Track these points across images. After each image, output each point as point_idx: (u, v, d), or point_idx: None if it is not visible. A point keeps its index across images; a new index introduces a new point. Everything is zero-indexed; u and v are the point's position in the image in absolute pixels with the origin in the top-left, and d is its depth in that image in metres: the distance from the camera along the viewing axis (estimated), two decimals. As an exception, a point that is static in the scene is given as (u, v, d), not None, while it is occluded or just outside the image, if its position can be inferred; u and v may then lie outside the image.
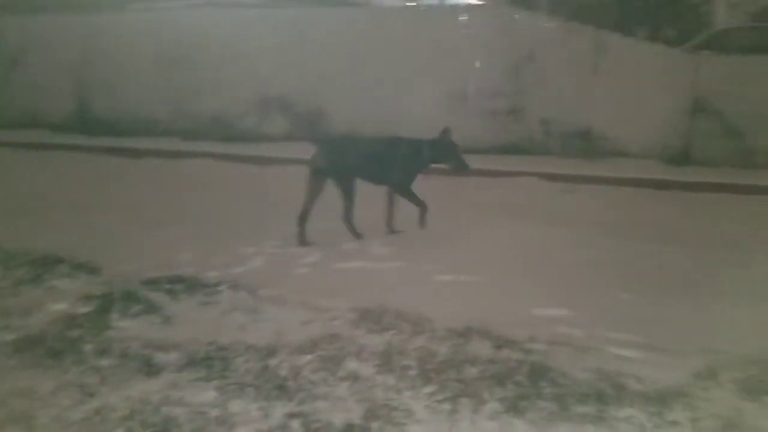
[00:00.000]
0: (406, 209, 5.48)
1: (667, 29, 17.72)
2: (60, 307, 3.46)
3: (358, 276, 4.45)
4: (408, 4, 11.47)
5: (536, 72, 8.76)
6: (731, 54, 8.11)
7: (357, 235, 5.35)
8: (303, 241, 5.25)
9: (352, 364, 2.81)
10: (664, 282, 4.30)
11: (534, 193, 7.04)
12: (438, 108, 9.15)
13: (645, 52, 8.42)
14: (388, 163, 5.41)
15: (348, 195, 5.29)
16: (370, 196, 5.41)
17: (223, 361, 2.85)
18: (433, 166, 5.55)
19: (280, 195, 6.80)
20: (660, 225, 5.80)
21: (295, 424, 2.35)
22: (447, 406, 2.53)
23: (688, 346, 3.28)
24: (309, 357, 2.85)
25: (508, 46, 8.82)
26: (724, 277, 4.41)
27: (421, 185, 5.54)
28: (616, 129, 8.47)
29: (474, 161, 5.66)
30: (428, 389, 2.64)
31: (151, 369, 2.74)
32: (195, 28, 10.07)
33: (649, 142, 8.37)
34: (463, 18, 9.13)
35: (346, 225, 5.34)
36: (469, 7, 9.25)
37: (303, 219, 5.30)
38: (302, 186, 6.61)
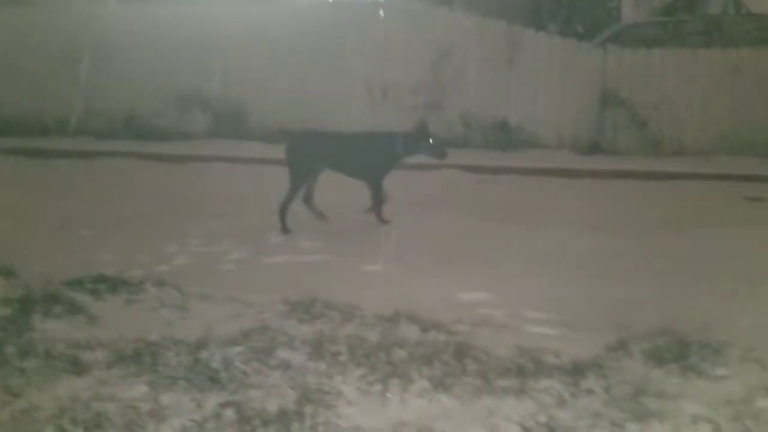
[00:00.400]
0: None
1: (578, 25, 18.47)
2: (-26, 311, 3.33)
3: (286, 270, 4.49)
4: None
5: (454, 67, 8.98)
6: (636, 48, 8.56)
7: (320, 216, 5.59)
8: (285, 228, 5.44)
9: (283, 354, 2.85)
10: (575, 264, 4.54)
11: (455, 184, 7.24)
12: (359, 103, 9.25)
13: (556, 47, 8.79)
14: (361, 157, 5.57)
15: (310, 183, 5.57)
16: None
17: (153, 357, 2.83)
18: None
19: (202, 193, 6.75)
20: (571, 211, 6.08)
21: (229, 412, 2.37)
22: (377, 387, 2.61)
23: (601, 322, 3.50)
24: (240, 348, 2.86)
25: (427, 42, 9.00)
26: (630, 257, 4.70)
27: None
28: (532, 121, 8.82)
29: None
30: (359, 372, 2.71)
31: (78, 368, 2.69)
32: (105, 23, 9.75)
33: (562, 133, 8.75)
34: (382, 14, 9.24)
35: (308, 208, 5.62)
36: (389, 3, 9.36)
37: (284, 210, 5.45)
38: (232, 183, 6.59)
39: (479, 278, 4.25)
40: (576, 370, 2.81)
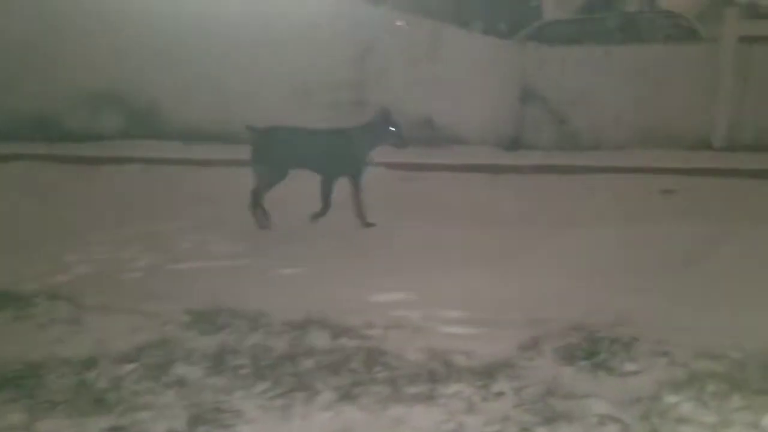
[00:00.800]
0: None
1: (501, 23, 18.78)
2: None
3: (195, 276, 4.28)
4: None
5: (378, 63, 8.89)
6: (555, 45, 8.69)
7: (264, 221, 5.40)
8: (263, 224, 5.37)
9: (179, 369, 2.67)
10: (494, 261, 4.51)
11: (379, 182, 7.13)
12: (281, 100, 9.04)
13: (477, 44, 8.83)
14: (327, 154, 5.38)
15: (268, 181, 5.35)
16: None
17: (36, 379, 2.60)
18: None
19: (112, 197, 6.42)
20: (490, 206, 6.09)
21: (113, 437, 2.19)
22: (280, 402, 2.47)
23: (516, 317, 3.47)
24: (132, 366, 2.66)
25: (350, 38, 8.87)
26: (546, 252, 4.72)
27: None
28: (455, 118, 8.81)
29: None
30: (261, 387, 2.56)
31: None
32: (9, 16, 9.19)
33: (484, 129, 8.79)
34: (305, 9, 9.03)
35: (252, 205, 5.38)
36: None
37: (254, 205, 5.33)
38: (146, 186, 6.26)
39: (397, 278, 4.15)
40: (487, 372, 2.75)
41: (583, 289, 3.94)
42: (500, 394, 2.59)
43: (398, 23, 8.91)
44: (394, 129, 5.40)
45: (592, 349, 2.97)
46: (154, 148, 8.66)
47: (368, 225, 5.38)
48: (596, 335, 3.13)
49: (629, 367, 2.85)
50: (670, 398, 2.55)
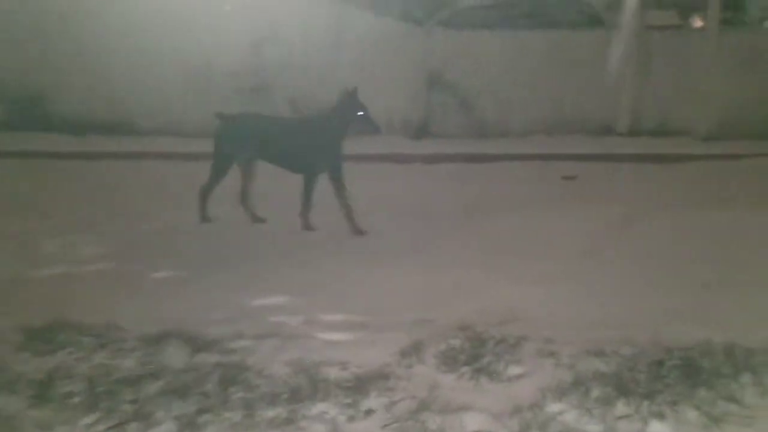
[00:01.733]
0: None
1: (417, 9, 18.61)
2: None
3: (52, 284, 3.80)
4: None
5: (280, 48, 8.49)
6: (463, 30, 8.50)
7: (256, 218, 5.04)
8: (204, 216, 5.00)
9: (-3, 401, 2.27)
10: (391, 255, 4.25)
11: (281, 175, 6.76)
12: (179, 88, 8.53)
13: (382, 28, 8.53)
14: (297, 147, 4.86)
15: (246, 176, 4.98)
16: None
17: None
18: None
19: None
20: (393, 198, 5.84)
21: None
22: (109, 437, 2.12)
23: (404, 318, 3.21)
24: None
25: (251, 21, 8.42)
26: (447, 244, 4.50)
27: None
28: (361, 105, 8.52)
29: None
30: (89, 418, 2.19)
31: None
32: None
33: (390, 117, 8.52)
34: None
35: (244, 209, 5.04)
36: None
37: (203, 197, 4.97)
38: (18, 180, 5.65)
39: (285, 279, 3.83)
40: (359, 386, 2.48)
41: (477, 284, 3.74)
42: (370, 411, 2.32)
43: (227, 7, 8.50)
44: (362, 113, 4.81)
45: (476, 353, 2.75)
46: (35, 141, 7.99)
47: (359, 232, 4.79)
48: (482, 336, 2.91)
49: (513, 370, 2.64)
50: (553, 407, 2.35)
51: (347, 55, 8.49)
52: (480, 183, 6.54)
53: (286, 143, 4.91)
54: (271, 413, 2.26)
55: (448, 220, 5.19)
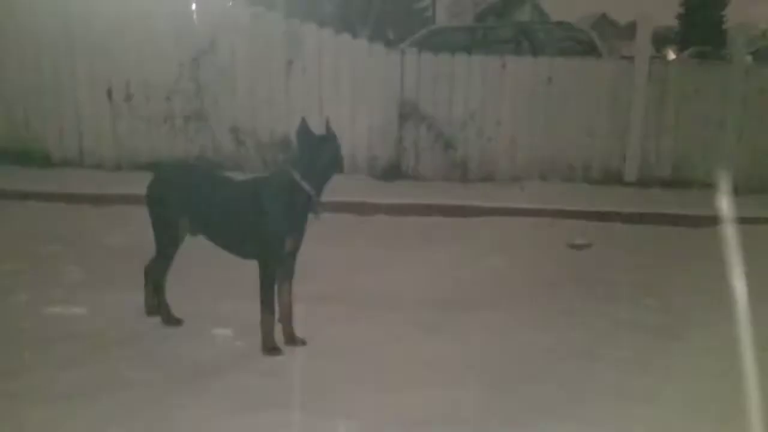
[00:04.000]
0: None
1: (388, 30, 17.26)
2: None
3: None
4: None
5: (220, 67, 6.98)
6: (441, 53, 7.08)
7: (170, 319, 3.58)
8: (150, 310, 3.65)
9: None
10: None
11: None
12: (88, 111, 6.98)
13: (345, 47, 7.06)
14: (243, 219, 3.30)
15: (163, 250, 3.52)
16: None
17: None
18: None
19: None
20: (339, 266, 4.34)
21: None
22: None
23: None
24: None
25: (184, 34, 6.90)
26: (410, 354, 3.00)
27: None
28: (317, 139, 7.02)
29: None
30: None
31: None
32: None
33: (355, 154, 7.06)
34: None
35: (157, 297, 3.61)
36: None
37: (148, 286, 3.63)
38: None
39: None
40: None
41: None
42: None
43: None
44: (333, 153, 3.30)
45: None
46: None
47: (296, 342, 3.41)
48: None
49: None
50: None
51: (302, 78, 7.01)
52: (460, 248, 5.09)
53: (225, 211, 3.40)
54: None
55: (402, 312, 3.72)
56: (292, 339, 3.41)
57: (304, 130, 3.24)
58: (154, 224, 3.53)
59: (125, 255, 4.32)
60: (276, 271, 3.28)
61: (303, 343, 3.41)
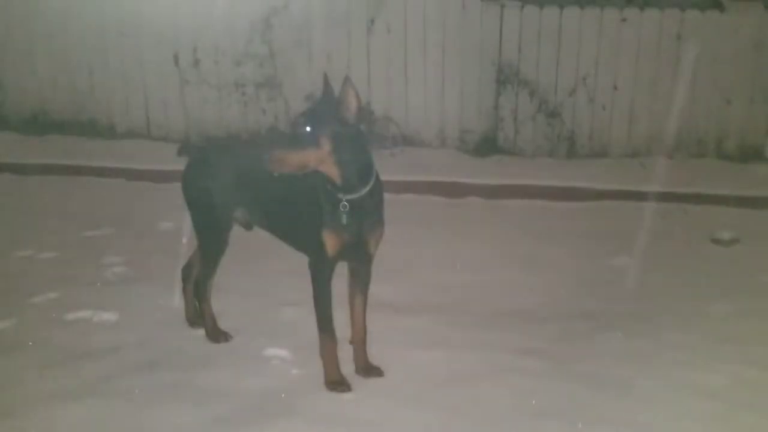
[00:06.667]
0: None
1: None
2: None
3: None
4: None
5: (296, 28, 6.23)
6: (547, 6, 6.01)
7: (216, 335, 2.91)
8: (192, 320, 3.04)
9: None
10: None
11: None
12: (155, 79, 6.46)
13: (435, 5, 6.12)
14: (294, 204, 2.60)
15: (208, 251, 2.88)
16: None
17: None
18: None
19: None
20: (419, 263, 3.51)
21: None
22: None
23: None
24: None
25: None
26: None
27: None
28: (404, 108, 6.21)
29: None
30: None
31: None
32: None
33: (445, 125, 6.19)
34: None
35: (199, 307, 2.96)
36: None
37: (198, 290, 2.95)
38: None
39: None
40: None
41: None
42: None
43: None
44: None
45: None
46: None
47: (373, 372, 2.67)
48: None
49: None
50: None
51: (385, 39, 6.16)
52: (571, 242, 4.17)
53: (279, 194, 2.63)
54: None
55: (522, 341, 2.85)
56: (365, 369, 2.65)
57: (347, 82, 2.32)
58: (196, 219, 2.84)
59: (178, 244, 3.65)
60: (325, 278, 2.50)
61: (379, 374, 2.64)
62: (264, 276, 3.55)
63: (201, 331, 2.92)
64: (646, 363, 2.69)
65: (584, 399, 2.42)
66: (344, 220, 2.39)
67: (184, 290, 3.01)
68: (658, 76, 6.00)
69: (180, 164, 2.94)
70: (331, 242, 2.44)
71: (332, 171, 2.35)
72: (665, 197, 4.91)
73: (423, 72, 6.09)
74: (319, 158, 2.31)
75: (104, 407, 2.37)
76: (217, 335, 2.90)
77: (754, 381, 2.57)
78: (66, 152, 5.94)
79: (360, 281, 2.60)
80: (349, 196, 2.38)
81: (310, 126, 2.30)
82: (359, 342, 2.65)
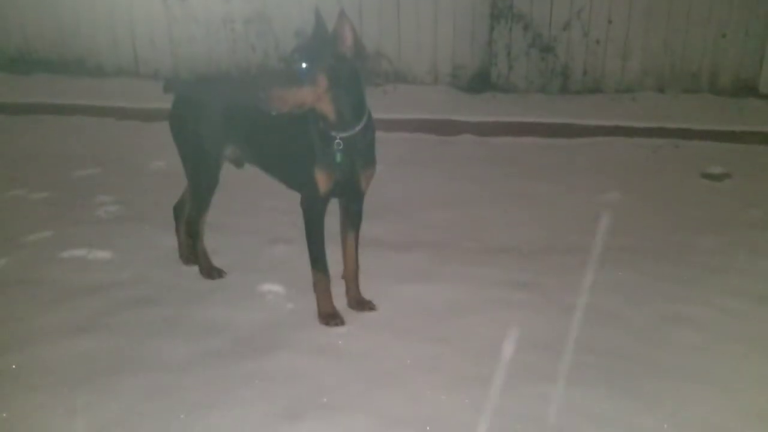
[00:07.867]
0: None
1: None
2: None
3: None
4: None
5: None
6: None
7: (210, 272, 2.93)
8: (186, 257, 3.05)
9: None
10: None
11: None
12: (142, 15, 6.29)
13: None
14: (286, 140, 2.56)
15: (199, 189, 2.85)
16: None
17: None
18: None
19: None
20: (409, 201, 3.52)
21: None
22: None
23: None
24: None
25: None
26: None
27: None
28: (396, 43, 6.09)
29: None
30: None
31: None
32: None
33: (436, 61, 6.10)
34: None
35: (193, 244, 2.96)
36: None
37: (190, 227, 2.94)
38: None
39: None
40: None
41: None
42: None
43: None
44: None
45: None
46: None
47: (365, 307, 2.69)
48: None
49: None
50: None
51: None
52: (564, 178, 4.18)
53: (271, 131, 2.60)
54: None
55: (508, 275, 2.89)
56: (357, 303, 2.70)
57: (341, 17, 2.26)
58: (186, 157, 2.83)
59: (170, 183, 3.63)
60: (317, 215, 2.51)
61: (371, 308, 2.69)
62: (257, 213, 3.57)
63: (195, 268, 2.95)
64: (633, 295, 2.75)
65: (572, 330, 2.48)
66: (338, 158, 2.39)
67: (177, 228, 3.03)
68: (652, 9, 5.88)
69: (169, 102, 2.90)
70: (323, 180, 2.44)
71: (327, 108, 2.32)
72: (657, 132, 4.91)
73: (415, 5, 5.96)
74: (316, 96, 2.28)
75: (101, 342, 2.42)
76: (210, 272, 2.93)
77: (739, 312, 2.63)
78: (54, 91, 5.85)
79: (352, 218, 2.62)
80: (341, 134, 2.37)
81: (305, 62, 2.26)
82: (352, 277, 2.69)
